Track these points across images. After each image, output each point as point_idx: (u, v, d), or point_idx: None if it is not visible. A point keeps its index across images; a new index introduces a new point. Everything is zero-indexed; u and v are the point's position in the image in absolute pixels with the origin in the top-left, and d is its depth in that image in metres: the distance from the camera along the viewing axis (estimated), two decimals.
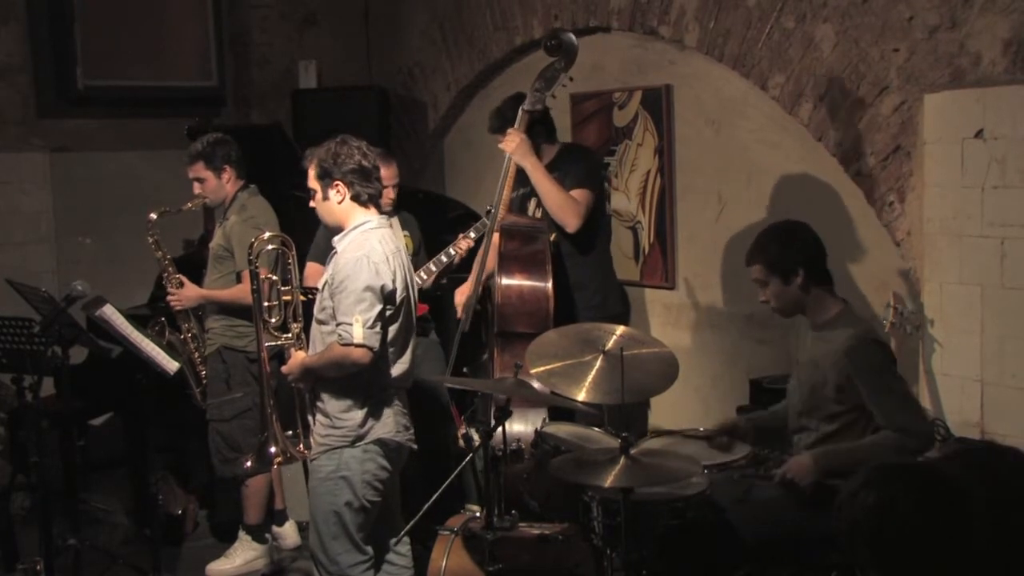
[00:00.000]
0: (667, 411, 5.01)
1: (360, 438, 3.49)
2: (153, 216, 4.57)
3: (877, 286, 4.34)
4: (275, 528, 4.93)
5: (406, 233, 5.03)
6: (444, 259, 4.78)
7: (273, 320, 3.68)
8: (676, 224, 5.28)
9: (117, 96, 6.18)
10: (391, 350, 3.52)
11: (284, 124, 6.27)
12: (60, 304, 4.20)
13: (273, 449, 3.61)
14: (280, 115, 6.49)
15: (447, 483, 3.38)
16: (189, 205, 4.64)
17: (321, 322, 3.56)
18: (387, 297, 3.45)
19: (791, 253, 3.38)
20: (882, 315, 3.92)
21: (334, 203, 3.56)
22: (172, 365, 4.42)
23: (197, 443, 4.84)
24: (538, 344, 3.69)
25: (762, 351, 4.80)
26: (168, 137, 5.96)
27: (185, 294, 4.61)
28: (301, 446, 3.64)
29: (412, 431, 3.64)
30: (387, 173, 4.87)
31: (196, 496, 5.27)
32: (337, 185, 3.53)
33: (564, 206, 4.32)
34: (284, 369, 3.59)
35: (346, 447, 3.49)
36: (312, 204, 3.62)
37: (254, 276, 3.68)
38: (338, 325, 3.42)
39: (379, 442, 3.51)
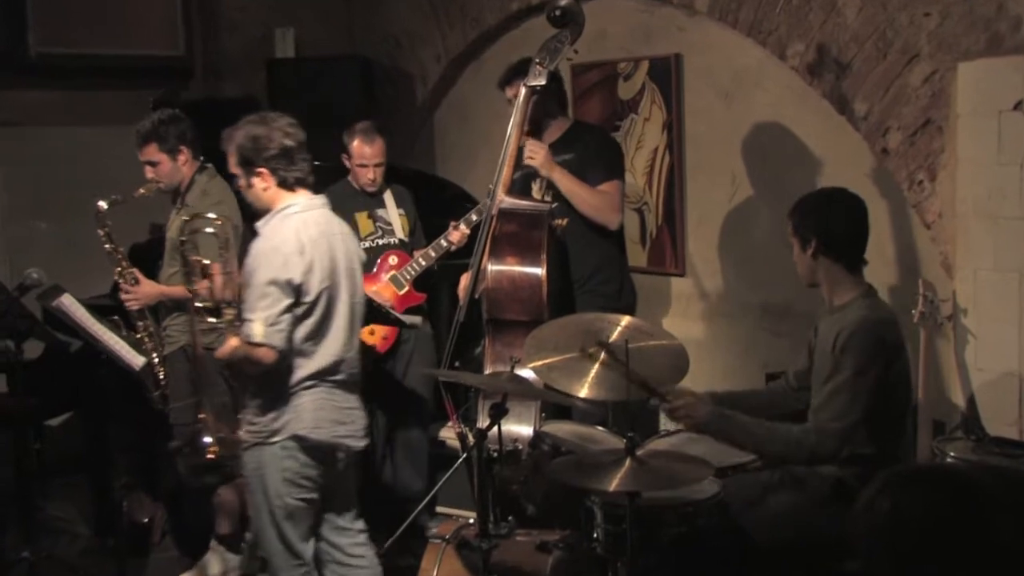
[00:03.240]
0: None
1: (273, 434, 3.56)
2: (103, 205, 4.44)
3: (905, 273, 4.33)
4: (249, 536, 4.92)
5: (401, 211, 5.04)
6: (444, 243, 4.80)
7: (207, 304, 3.70)
8: (686, 205, 5.28)
9: (73, 66, 6.14)
10: (308, 344, 3.55)
11: (259, 97, 6.25)
12: (12, 293, 4.18)
13: (207, 439, 3.59)
14: (254, 87, 6.47)
15: (438, 487, 3.38)
16: (141, 191, 4.53)
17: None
18: (296, 290, 3.48)
19: (810, 219, 3.46)
20: (911, 305, 3.91)
21: (259, 190, 3.61)
22: (138, 360, 4.40)
23: (165, 445, 4.82)
24: (536, 337, 3.69)
25: (779, 343, 4.80)
26: (130, 111, 5.86)
27: (142, 291, 4.53)
28: (241, 434, 3.67)
29: (353, 427, 3.69)
30: (371, 151, 4.89)
31: (164, 503, 5.26)
32: (261, 172, 3.58)
33: (600, 206, 4.38)
34: (218, 353, 3.63)
35: (264, 444, 3.58)
36: (241, 186, 3.68)
37: (183, 259, 3.66)
38: (243, 319, 3.49)
39: (296, 438, 3.57)
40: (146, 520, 5.07)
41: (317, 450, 3.61)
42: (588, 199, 4.36)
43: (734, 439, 3.44)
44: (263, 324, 3.42)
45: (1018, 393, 3.77)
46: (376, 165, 4.89)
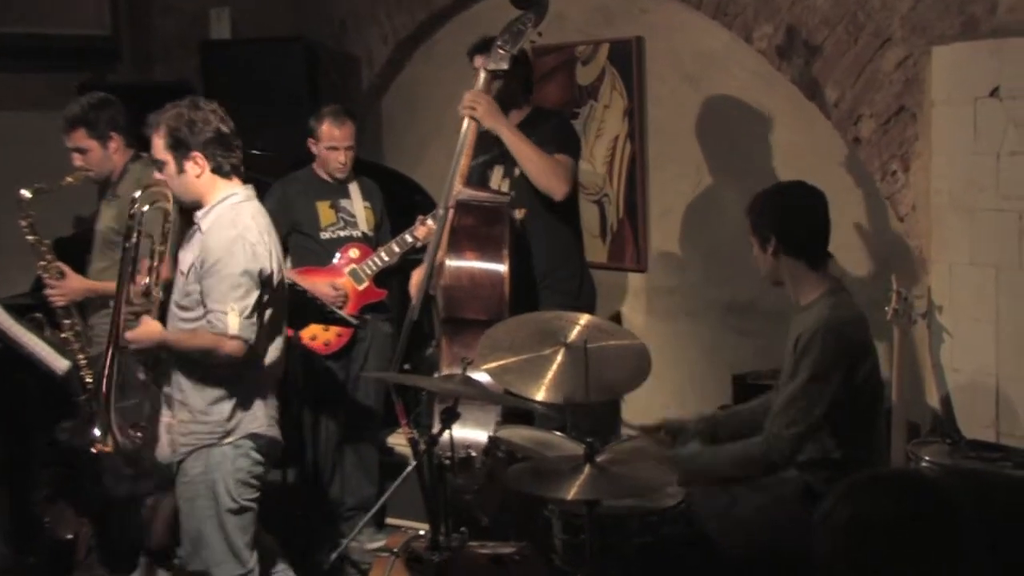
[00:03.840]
0: (639, 412, 5.01)
1: (228, 433, 3.58)
2: (25, 194, 4.35)
3: (877, 268, 4.37)
4: (179, 550, 4.87)
5: (366, 204, 5.03)
6: (409, 238, 4.79)
7: (140, 287, 3.67)
8: (648, 197, 5.29)
9: None
10: (264, 338, 3.60)
11: (193, 82, 6.19)
12: None
13: (97, 432, 3.56)
14: (188, 71, 6.42)
15: (386, 496, 3.37)
16: (69, 179, 4.46)
17: (184, 307, 3.61)
18: (264, 281, 3.54)
19: (767, 217, 3.49)
20: (883, 302, 3.94)
21: (191, 177, 3.60)
22: (61, 363, 4.34)
23: (90, 457, 4.75)
24: (491, 336, 3.68)
25: (746, 343, 4.82)
26: (52, 97, 5.81)
27: (68, 286, 4.47)
28: (140, 434, 3.65)
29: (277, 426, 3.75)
30: (341, 133, 4.91)
31: (89, 517, 5.19)
32: (195, 157, 3.58)
33: (548, 170, 4.33)
34: (130, 335, 3.58)
35: (214, 445, 3.57)
36: (160, 176, 3.66)
37: (131, 234, 3.63)
38: (209, 312, 3.48)
39: (251, 436, 3.61)
40: (70, 536, 5.00)
41: (269, 448, 3.65)
42: (536, 160, 4.33)
43: (696, 477, 3.47)
44: (238, 316, 3.45)
45: (995, 394, 3.81)
46: (347, 148, 4.92)
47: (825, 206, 3.51)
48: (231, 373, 3.55)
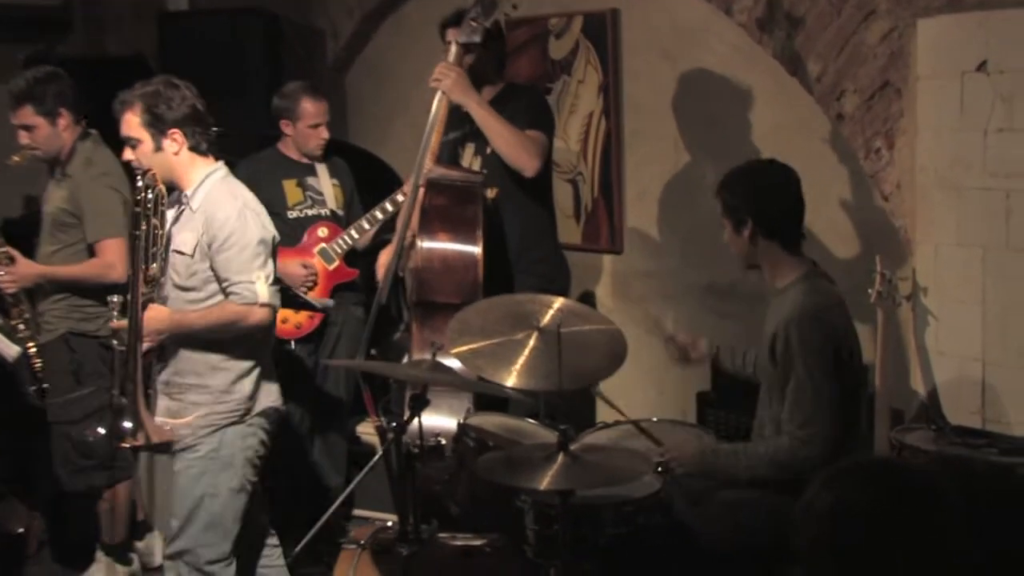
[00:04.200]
0: (616, 398, 5.00)
1: (248, 412, 3.69)
2: None
3: (861, 249, 4.38)
4: (137, 544, 4.85)
5: (335, 182, 5.03)
6: (380, 215, 4.78)
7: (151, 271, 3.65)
8: (624, 176, 5.29)
9: None
10: None
11: (148, 55, 6.13)
12: None
13: (128, 424, 3.53)
14: (143, 44, 6.34)
15: (352, 486, 3.36)
16: (16, 159, 4.42)
17: (189, 288, 3.64)
18: (273, 251, 3.67)
19: (741, 198, 3.50)
20: (867, 284, 3.96)
21: (168, 155, 3.65)
22: (12, 350, 4.32)
23: (43, 447, 4.72)
24: (460, 320, 3.67)
25: (725, 326, 4.83)
26: None
27: (20, 271, 4.43)
28: (171, 428, 3.65)
29: None
30: (321, 108, 4.91)
31: (41, 511, 5.16)
32: (173, 134, 3.63)
33: (519, 145, 4.32)
34: (148, 321, 3.56)
35: (233, 424, 3.66)
36: (130, 156, 3.67)
37: (140, 223, 3.59)
38: (232, 284, 3.56)
39: (264, 413, 3.73)
40: (20, 530, 4.97)
41: (278, 422, 3.79)
42: (506, 134, 4.32)
43: (723, 474, 3.46)
44: (265, 283, 3.59)
45: (981, 379, 3.83)
46: (327, 123, 4.91)
47: (798, 184, 3.53)
48: (252, 347, 3.67)
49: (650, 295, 5.26)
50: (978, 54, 3.75)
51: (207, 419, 3.66)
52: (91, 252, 4.40)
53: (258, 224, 3.63)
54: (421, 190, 4.36)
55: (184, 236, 3.65)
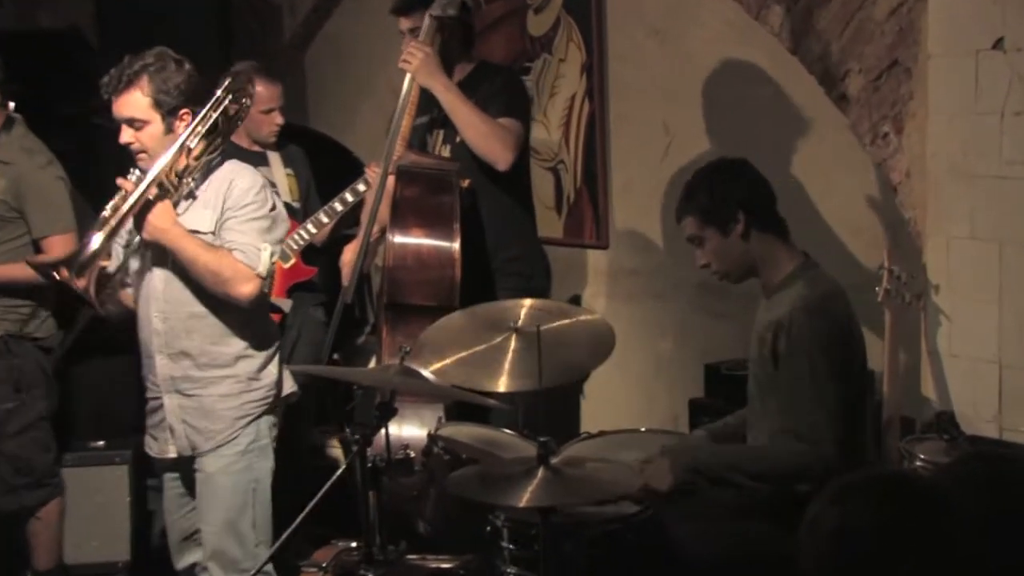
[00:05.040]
0: (601, 406, 5.03)
1: (275, 398, 3.79)
2: None
3: (867, 242, 4.38)
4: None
5: (289, 172, 5.00)
6: (340, 207, 4.75)
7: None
8: (610, 164, 5.29)
9: None
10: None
11: (85, 29, 6.09)
12: None
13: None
14: (79, 16, 6.30)
15: (312, 504, 3.33)
16: None
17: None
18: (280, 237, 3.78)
19: (725, 194, 3.49)
20: (874, 281, 3.96)
21: (179, 136, 3.62)
22: None
23: None
24: (432, 333, 3.68)
25: (720, 328, 4.83)
26: None
27: None
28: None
29: None
30: (268, 93, 4.87)
31: None
32: (184, 115, 3.63)
33: (490, 135, 4.32)
34: (152, 216, 3.55)
35: (264, 414, 3.76)
36: (129, 138, 3.61)
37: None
38: (236, 245, 3.58)
39: (285, 399, 3.87)
40: None
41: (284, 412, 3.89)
42: (477, 123, 4.32)
43: (717, 474, 3.43)
44: (269, 257, 3.62)
45: (998, 384, 3.83)
46: (281, 108, 4.87)
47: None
48: (270, 330, 3.81)
49: (638, 294, 5.26)
50: (994, 30, 3.75)
51: (242, 409, 3.72)
52: (36, 248, 4.36)
53: (276, 204, 3.72)
54: (391, 179, 4.33)
55: (195, 215, 3.64)
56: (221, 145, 3.68)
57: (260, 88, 4.87)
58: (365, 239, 4.42)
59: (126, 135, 3.63)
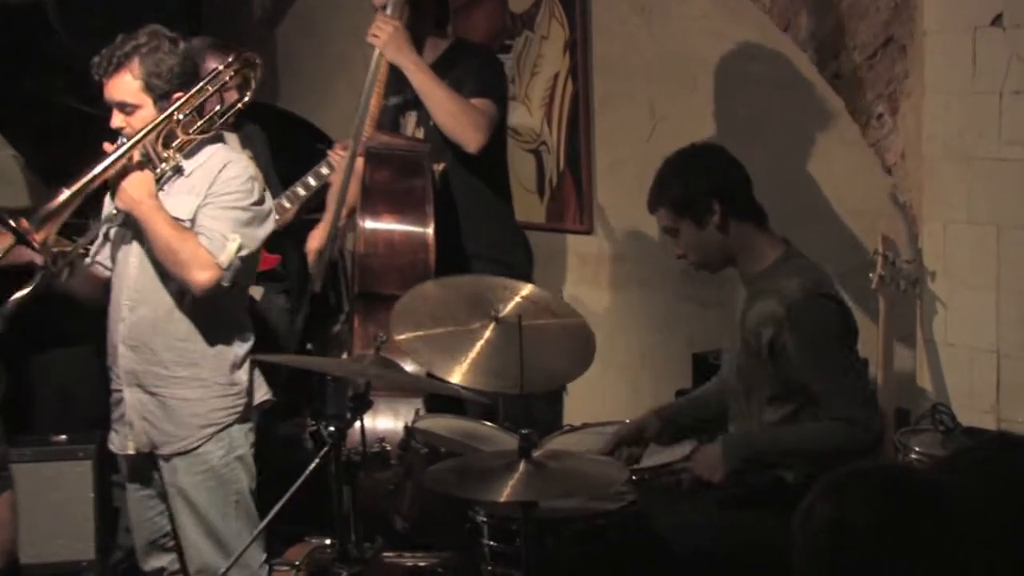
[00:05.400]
0: (584, 398, 5.01)
1: (248, 407, 3.69)
2: None
3: (860, 228, 4.39)
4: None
5: (248, 154, 4.94)
6: (303, 191, 4.72)
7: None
8: (594, 146, 5.28)
9: None
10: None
11: (45, 4, 6.04)
12: None
13: None
14: None
15: (283, 501, 3.32)
16: None
17: None
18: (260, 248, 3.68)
19: (699, 182, 3.46)
20: (867, 268, 3.96)
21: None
22: None
23: None
24: (407, 302, 3.63)
25: (707, 316, 4.82)
26: None
27: None
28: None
29: None
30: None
31: None
32: (178, 98, 3.57)
33: (461, 116, 4.28)
34: (129, 182, 3.49)
35: (235, 422, 3.66)
36: (120, 123, 3.56)
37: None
38: (203, 229, 3.50)
39: (259, 406, 3.75)
40: None
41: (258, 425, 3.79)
42: (446, 103, 4.28)
43: (767, 458, 3.42)
44: (236, 250, 3.48)
45: (995, 373, 3.84)
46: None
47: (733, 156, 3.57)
48: (246, 328, 3.69)
49: (623, 281, 5.25)
50: (993, 6, 3.75)
51: (207, 417, 3.61)
52: None
53: (267, 201, 3.64)
54: (359, 161, 4.31)
55: (177, 201, 3.57)
56: (219, 124, 3.63)
57: (212, 65, 4.82)
58: (333, 224, 4.39)
59: (117, 119, 3.56)
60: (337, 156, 4.63)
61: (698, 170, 3.49)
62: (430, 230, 4.19)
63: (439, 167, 4.38)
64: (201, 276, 3.47)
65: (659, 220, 3.56)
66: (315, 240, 4.54)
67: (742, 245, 3.49)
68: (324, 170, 4.70)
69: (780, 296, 3.37)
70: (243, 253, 3.52)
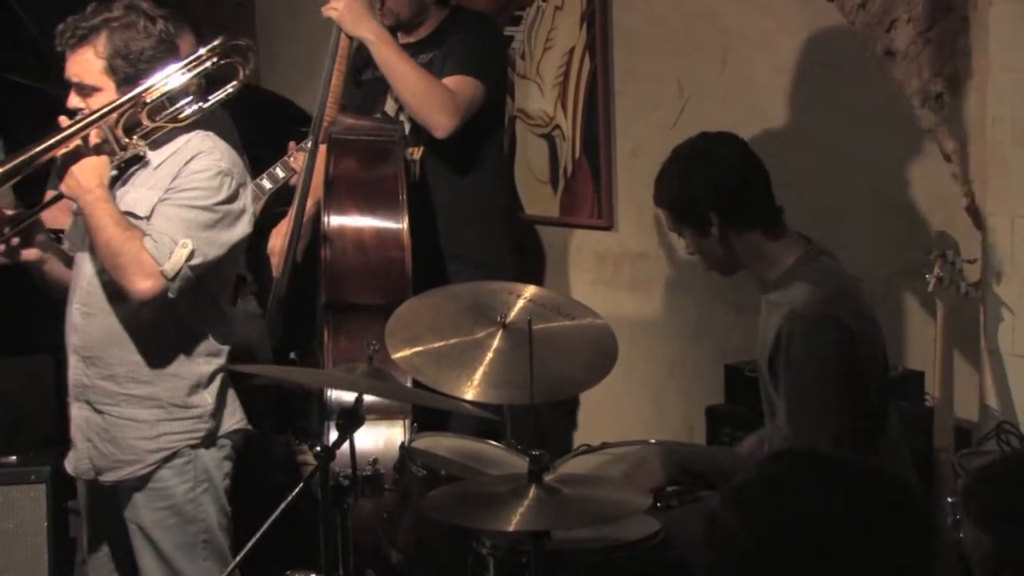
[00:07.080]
0: (603, 414, 5.03)
1: (212, 432, 3.64)
2: None
3: (915, 224, 4.39)
4: None
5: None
6: (269, 184, 4.73)
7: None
8: (614, 130, 5.29)
9: None
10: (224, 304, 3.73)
11: None
12: None
13: None
14: None
15: (263, 529, 3.34)
16: None
17: None
18: (232, 253, 3.62)
19: (697, 191, 3.49)
20: (923, 268, 3.96)
21: None
22: None
23: None
24: (402, 315, 3.65)
25: (743, 323, 4.81)
26: None
27: None
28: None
29: None
30: (190, 50, 4.80)
31: None
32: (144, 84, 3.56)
33: (426, 96, 4.30)
34: (80, 168, 3.46)
35: (199, 447, 3.62)
36: (79, 103, 3.54)
37: None
38: (153, 231, 3.45)
39: (231, 435, 3.73)
40: None
41: (243, 449, 3.78)
42: (410, 81, 4.31)
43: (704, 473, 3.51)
44: (186, 257, 3.41)
45: None
46: None
47: (748, 148, 3.56)
48: (210, 345, 3.63)
49: (646, 281, 5.26)
50: None
51: (156, 442, 3.58)
52: None
53: (242, 201, 3.57)
54: (322, 149, 4.31)
55: (138, 195, 3.56)
56: (196, 113, 3.59)
57: (183, 44, 4.84)
58: (297, 222, 4.39)
59: (73, 100, 3.55)
60: (296, 164, 4.64)
61: (698, 175, 3.50)
62: (404, 225, 4.19)
63: (417, 153, 4.38)
64: (142, 284, 3.42)
65: (663, 219, 3.60)
66: (276, 239, 4.53)
67: (751, 254, 3.52)
68: (280, 172, 4.69)
69: (784, 309, 3.39)
70: (195, 261, 3.44)
